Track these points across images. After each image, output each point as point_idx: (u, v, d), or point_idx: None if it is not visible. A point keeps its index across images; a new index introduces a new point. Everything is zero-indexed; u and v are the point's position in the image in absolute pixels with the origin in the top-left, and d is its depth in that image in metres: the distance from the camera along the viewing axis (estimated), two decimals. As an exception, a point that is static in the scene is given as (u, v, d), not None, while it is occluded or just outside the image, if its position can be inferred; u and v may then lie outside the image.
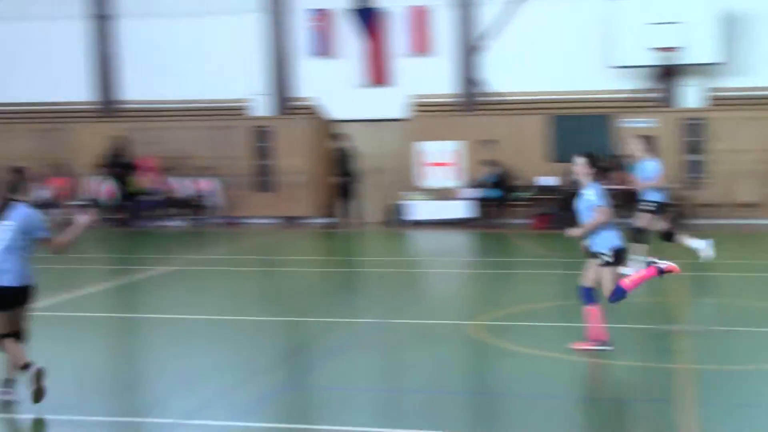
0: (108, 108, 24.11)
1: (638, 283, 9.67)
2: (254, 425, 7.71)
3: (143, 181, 23.12)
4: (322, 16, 23.44)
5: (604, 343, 9.65)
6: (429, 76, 22.99)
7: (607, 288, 9.53)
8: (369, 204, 22.94)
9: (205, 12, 23.56)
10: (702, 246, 13.12)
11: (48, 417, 7.83)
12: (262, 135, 23.32)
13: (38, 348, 10.37)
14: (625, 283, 9.53)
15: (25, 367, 8.06)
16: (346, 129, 23.09)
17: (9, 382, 8.26)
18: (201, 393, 8.53)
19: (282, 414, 8.17)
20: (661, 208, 14.07)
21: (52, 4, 24.03)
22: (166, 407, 8.23)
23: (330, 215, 23.11)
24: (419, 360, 9.74)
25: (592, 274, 9.65)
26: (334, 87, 23.35)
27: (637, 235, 13.98)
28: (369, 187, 23.02)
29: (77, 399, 8.44)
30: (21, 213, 8.13)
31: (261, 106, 23.55)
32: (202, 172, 23.17)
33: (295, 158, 23.05)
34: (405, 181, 22.87)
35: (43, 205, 23.26)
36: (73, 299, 13.45)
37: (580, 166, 9.66)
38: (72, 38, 23.95)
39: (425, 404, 8.30)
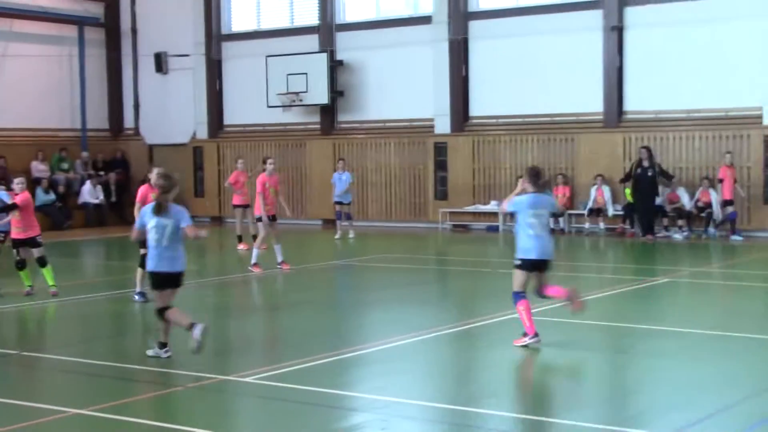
0: (612, 118, 24.23)
1: (556, 296, 10.93)
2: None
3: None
4: None
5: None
6: None
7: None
8: None
9: (717, 18, 22.84)
10: None
11: (534, 418, 8.02)
12: (772, 145, 22.23)
13: (528, 351, 10.76)
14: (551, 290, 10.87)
15: (190, 326, 10.02)
16: None
17: (165, 345, 10.29)
18: (696, 408, 8.27)
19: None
20: None
21: (572, 18, 24.62)
22: (658, 419, 8.07)
23: None
24: None
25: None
26: None
27: None
28: None
29: (564, 403, 8.56)
30: (175, 209, 10.21)
31: (770, 114, 22.34)
32: (705, 184, 22.56)
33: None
34: None
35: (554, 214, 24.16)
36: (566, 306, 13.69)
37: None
38: (589, 50, 24.33)
39: None
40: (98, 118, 30.99)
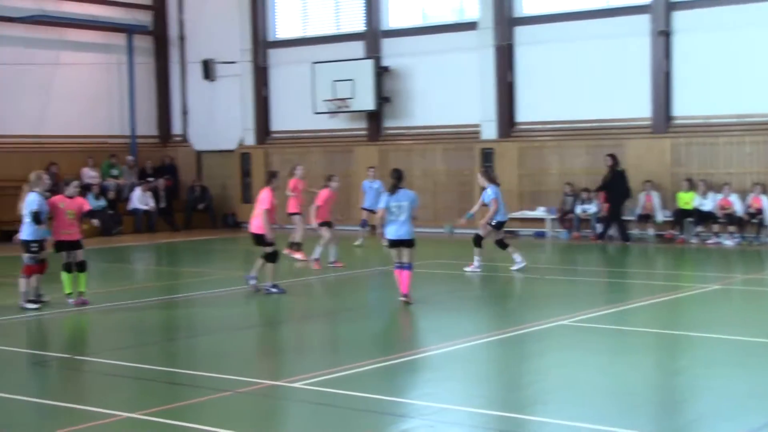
0: (660, 124, 24.02)
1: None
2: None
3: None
4: None
5: None
6: None
7: None
8: None
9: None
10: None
11: (585, 426, 7.97)
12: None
13: (578, 358, 10.71)
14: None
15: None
16: None
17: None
18: (747, 418, 8.16)
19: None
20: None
21: (618, 23, 24.50)
22: (709, 429, 7.99)
23: None
24: None
25: None
26: None
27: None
28: None
29: (617, 411, 8.50)
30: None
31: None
32: (756, 189, 22.32)
33: None
34: None
35: (600, 219, 24.00)
36: (615, 313, 13.61)
37: None
38: (636, 55, 24.16)
39: None
40: (147, 125, 31.31)
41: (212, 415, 8.59)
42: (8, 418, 8.75)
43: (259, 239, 15.54)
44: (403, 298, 13.99)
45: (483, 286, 17.39)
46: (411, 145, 27.36)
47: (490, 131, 26.13)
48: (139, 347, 11.95)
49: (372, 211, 23.18)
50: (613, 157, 23.28)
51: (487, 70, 25.98)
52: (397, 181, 14.01)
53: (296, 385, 9.45)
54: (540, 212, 25.15)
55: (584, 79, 24.88)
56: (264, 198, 15.44)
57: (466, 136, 26.65)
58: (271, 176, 15.94)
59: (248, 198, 29.67)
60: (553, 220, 24.94)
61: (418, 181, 26.75)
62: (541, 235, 25.02)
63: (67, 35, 29.08)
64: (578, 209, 24.47)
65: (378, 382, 9.72)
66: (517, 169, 25.68)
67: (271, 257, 15.47)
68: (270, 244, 15.39)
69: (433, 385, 9.67)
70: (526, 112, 25.97)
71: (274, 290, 15.39)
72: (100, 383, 10.17)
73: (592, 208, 24.25)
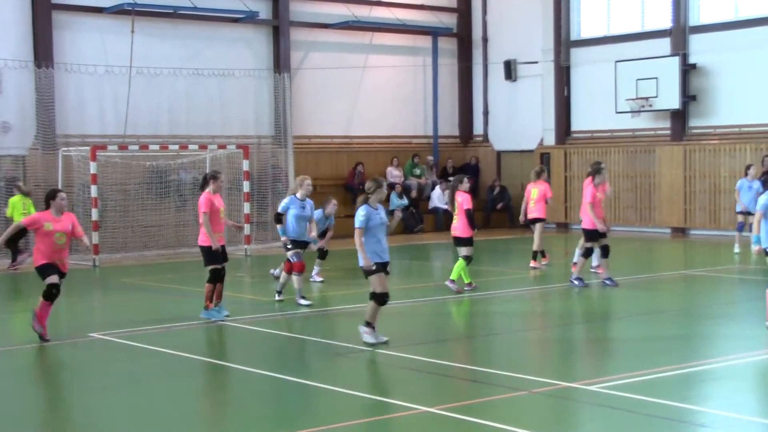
0: None
1: None
2: None
3: None
4: None
5: None
6: None
7: None
8: None
9: None
10: None
11: None
12: None
13: None
14: None
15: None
16: None
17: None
18: None
19: None
20: None
21: None
22: None
23: None
24: None
25: None
26: None
27: None
28: None
29: None
30: None
31: None
32: None
33: None
34: None
35: None
36: None
37: None
38: None
39: None
40: (449, 126, 31.95)
41: (507, 414, 8.66)
42: (311, 405, 9.24)
43: (591, 234, 16.28)
44: None
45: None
46: (717, 145, 26.24)
47: (806, 130, 24.62)
48: (438, 343, 12.25)
49: (748, 213, 21.71)
50: None
51: (804, 65, 24.48)
52: None
53: (592, 388, 9.35)
54: None
55: None
56: (587, 193, 16.26)
57: (779, 135, 25.27)
58: (595, 171, 16.45)
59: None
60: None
61: (725, 183, 25.63)
62: None
63: (375, 39, 30.22)
64: None
65: (677, 389, 9.42)
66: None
67: (606, 251, 16.38)
68: (603, 236, 16.25)
69: (737, 395, 9.26)
70: None
71: (608, 282, 16.31)
72: (401, 377, 10.50)
73: None
